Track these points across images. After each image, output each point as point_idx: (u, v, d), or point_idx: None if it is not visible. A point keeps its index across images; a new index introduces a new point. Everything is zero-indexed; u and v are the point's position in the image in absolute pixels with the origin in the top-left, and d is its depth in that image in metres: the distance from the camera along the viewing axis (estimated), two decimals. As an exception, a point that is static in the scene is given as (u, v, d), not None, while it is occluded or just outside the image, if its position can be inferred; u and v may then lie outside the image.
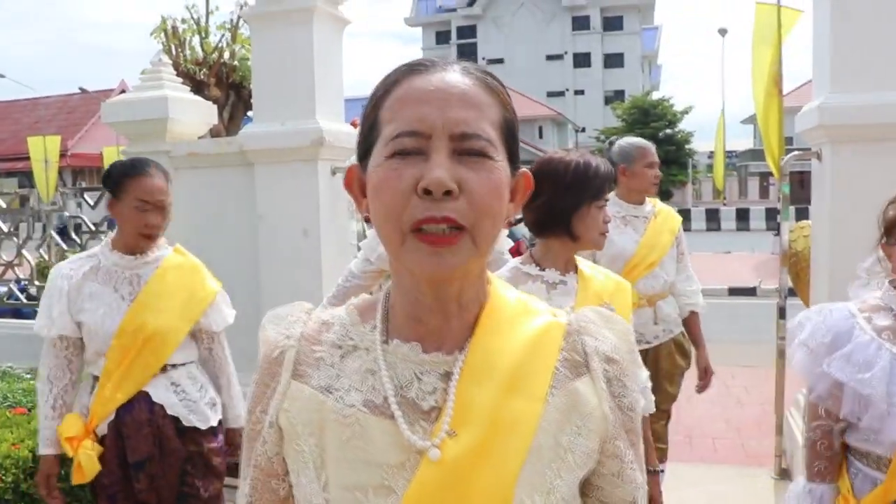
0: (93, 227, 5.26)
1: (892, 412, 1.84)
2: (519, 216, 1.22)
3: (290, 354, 0.98)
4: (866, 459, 1.99)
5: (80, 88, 29.00)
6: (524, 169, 0.98)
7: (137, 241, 2.64)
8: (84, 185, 24.35)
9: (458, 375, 0.92)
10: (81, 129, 31.88)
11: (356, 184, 0.98)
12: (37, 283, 5.57)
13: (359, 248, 3.29)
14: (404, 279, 0.95)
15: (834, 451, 2.04)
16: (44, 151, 19.52)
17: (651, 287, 3.50)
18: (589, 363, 0.97)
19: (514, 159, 0.95)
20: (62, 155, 24.44)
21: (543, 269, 2.16)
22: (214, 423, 2.74)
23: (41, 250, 5.54)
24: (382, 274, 3.16)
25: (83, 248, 5.31)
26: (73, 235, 5.49)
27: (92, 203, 5.32)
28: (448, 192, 0.85)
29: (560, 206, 2.11)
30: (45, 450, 2.61)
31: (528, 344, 0.96)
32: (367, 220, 0.95)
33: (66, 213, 5.54)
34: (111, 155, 21.53)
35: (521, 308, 1.00)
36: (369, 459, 0.90)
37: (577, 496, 0.96)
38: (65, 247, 5.51)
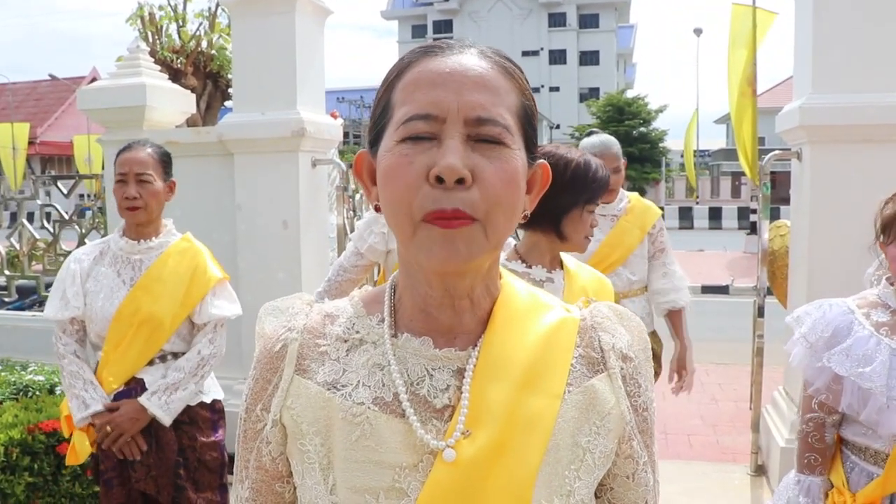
0: (65, 216, 5.15)
1: (891, 406, 1.88)
2: None
3: (293, 348, 0.93)
4: (863, 454, 2.03)
5: (50, 75, 28.52)
6: (542, 160, 0.93)
7: (125, 217, 2.62)
8: (54, 173, 23.94)
9: (472, 372, 0.88)
10: (51, 117, 31.31)
11: (366, 171, 0.93)
12: (6, 272, 5.44)
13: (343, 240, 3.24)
14: (414, 272, 0.90)
15: (825, 444, 2.09)
16: (11, 138, 19.15)
17: (614, 285, 3.41)
18: (606, 360, 0.94)
19: (531, 148, 0.90)
20: (31, 142, 23.99)
21: (530, 267, 2.08)
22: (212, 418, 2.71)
23: (12, 239, 5.42)
24: (373, 266, 3.12)
25: (55, 237, 5.22)
26: (45, 224, 5.38)
27: (65, 192, 5.23)
28: (461, 181, 0.80)
29: (553, 205, 2.01)
30: (96, 406, 2.51)
31: (542, 339, 0.92)
32: (378, 210, 0.90)
33: (38, 201, 5.42)
34: (82, 143, 21.20)
35: (534, 302, 0.96)
36: (380, 460, 0.85)
37: (594, 498, 0.93)
38: (37, 236, 5.40)
